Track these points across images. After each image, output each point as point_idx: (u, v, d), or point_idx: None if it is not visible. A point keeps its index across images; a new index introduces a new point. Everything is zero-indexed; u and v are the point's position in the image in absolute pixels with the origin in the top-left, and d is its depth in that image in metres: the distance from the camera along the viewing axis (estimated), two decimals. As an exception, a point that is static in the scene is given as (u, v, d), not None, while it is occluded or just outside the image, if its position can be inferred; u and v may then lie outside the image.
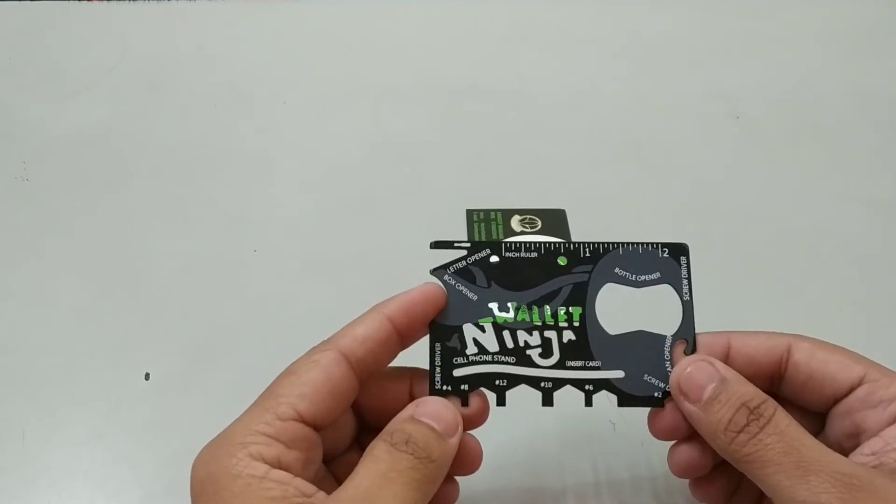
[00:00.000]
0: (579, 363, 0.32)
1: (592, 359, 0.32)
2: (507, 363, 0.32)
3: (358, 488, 0.27)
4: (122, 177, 0.51)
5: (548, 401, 0.32)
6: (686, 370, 0.31)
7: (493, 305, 0.32)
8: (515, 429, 0.39)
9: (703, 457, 0.32)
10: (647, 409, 0.33)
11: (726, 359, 0.32)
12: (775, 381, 0.33)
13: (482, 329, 0.32)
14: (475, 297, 0.32)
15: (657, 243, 0.33)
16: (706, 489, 0.34)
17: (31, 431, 0.41)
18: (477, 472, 0.32)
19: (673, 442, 0.33)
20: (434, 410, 0.30)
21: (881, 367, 0.31)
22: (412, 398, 0.32)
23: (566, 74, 0.57)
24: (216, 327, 0.44)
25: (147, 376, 0.42)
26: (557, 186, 0.51)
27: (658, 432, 0.33)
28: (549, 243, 0.33)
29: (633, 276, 0.33)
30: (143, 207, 0.50)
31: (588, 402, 0.32)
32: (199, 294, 0.46)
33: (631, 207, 0.50)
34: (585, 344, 0.32)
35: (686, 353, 0.32)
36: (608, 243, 0.33)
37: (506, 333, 0.32)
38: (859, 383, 0.31)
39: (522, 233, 0.36)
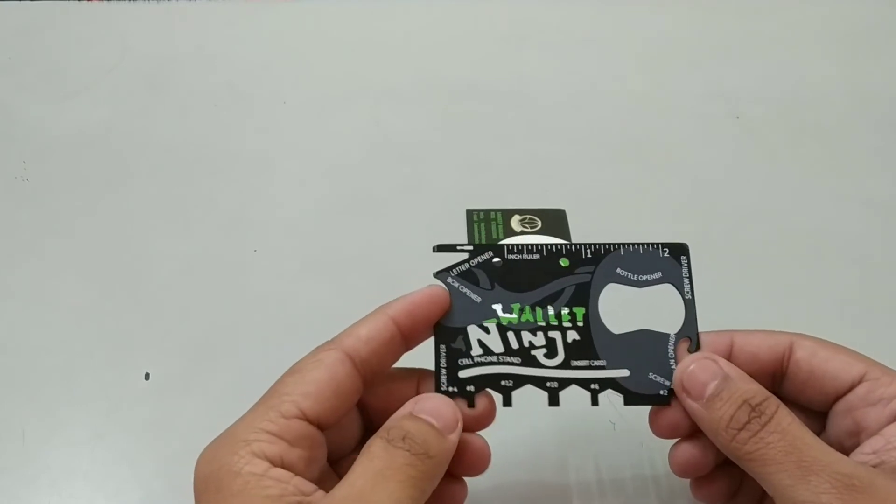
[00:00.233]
0: (584, 363, 0.32)
1: (597, 358, 0.32)
2: (513, 364, 0.32)
3: (353, 486, 0.27)
4: (122, 177, 0.51)
5: (554, 401, 0.32)
6: (689, 368, 0.31)
7: (497, 307, 0.33)
8: (516, 428, 0.39)
9: (704, 456, 0.32)
10: (647, 408, 0.33)
11: (729, 356, 0.32)
12: (777, 380, 0.33)
13: (486, 330, 0.32)
14: (479, 299, 0.33)
15: (658, 243, 0.34)
16: (707, 489, 0.34)
17: (31, 431, 0.41)
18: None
19: (673, 441, 0.33)
20: (433, 407, 0.30)
21: (882, 366, 0.31)
22: None
23: (566, 74, 0.57)
24: (216, 327, 0.44)
25: (147, 376, 0.42)
26: (557, 186, 0.51)
27: (659, 430, 0.33)
28: (551, 245, 0.34)
29: (635, 276, 0.33)
30: (143, 207, 0.50)
31: (594, 402, 0.32)
32: (199, 294, 0.46)
33: (631, 207, 0.50)
34: (590, 343, 0.32)
35: (690, 351, 0.32)
36: (609, 244, 0.34)
37: (510, 334, 0.32)
38: (860, 381, 0.31)
39: (522, 233, 0.36)
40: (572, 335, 0.32)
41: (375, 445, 0.28)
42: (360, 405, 0.33)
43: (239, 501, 0.27)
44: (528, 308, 0.33)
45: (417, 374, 0.33)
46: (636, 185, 0.51)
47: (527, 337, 0.32)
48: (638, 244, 0.34)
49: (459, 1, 0.61)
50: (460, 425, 0.30)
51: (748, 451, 0.29)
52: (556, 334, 0.32)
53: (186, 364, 0.43)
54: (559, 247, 0.33)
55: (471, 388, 0.32)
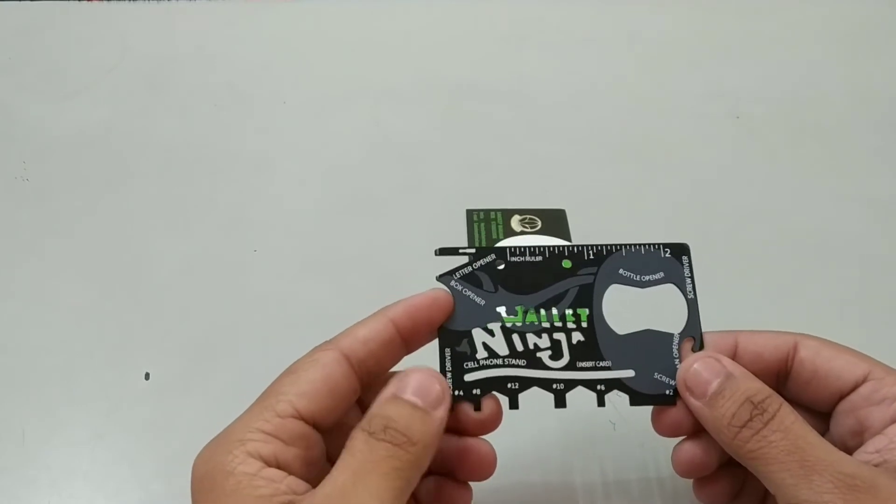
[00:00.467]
0: (590, 364, 0.32)
1: (603, 359, 0.32)
2: (518, 366, 0.32)
3: (335, 483, 0.27)
4: (122, 177, 0.51)
5: (560, 402, 0.32)
6: (692, 366, 0.31)
7: (501, 309, 0.33)
8: (515, 431, 0.39)
9: (706, 455, 0.32)
10: (647, 409, 0.33)
11: (733, 356, 0.32)
12: (781, 380, 0.33)
13: (491, 333, 0.32)
14: (483, 302, 0.33)
15: (659, 244, 0.34)
16: (710, 489, 0.34)
17: (31, 431, 0.41)
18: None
19: (676, 441, 0.33)
20: (417, 383, 0.29)
21: (885, 366, 0.31)
22: None
23: (566, 74, 0.57)
24: (216, 327, 0.44)
25: (147, 376, 0.42)
26: (557, 186, 0.51)
27: (661, 428, 0.33)
28: (554, 247, 0.34)
29: (638, 276, 0.33)
30: (143, 207, 0.50)
31: (600, 402, 0.32)
32: (199, 294, 0.46)
33: (631, 207, 0.50)
34: (595, 344, 0.32)
35: (694, 351, 0.33)
36: (611, 245, 0.34)
37: (515, 337, 0.32)
38: (864, 380, 0.31)
39: (522, 233, 0.36)
40: (577, 336, 0.32)
41: (356, 439, 0.28)
42: (363, 407, 0.32)
43: (231, 501, 0.27)
44: (532, 310, 0.33)
45: None
46: (636, 185, 0.51)
47: (532, 339, 0.32)
48: (639, 245, 0.34)
49: (459, 1, 0.61)
50: (447, 397, 0.30)
51: (750, 449, 0.29)
52: (560, 336, 0.32)
53: (186, 364, 0.43)
54: (561, 248, 0.34)
55: (477, 391, 0.32)
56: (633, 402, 0.32)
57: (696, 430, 0.32)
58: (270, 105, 0.55)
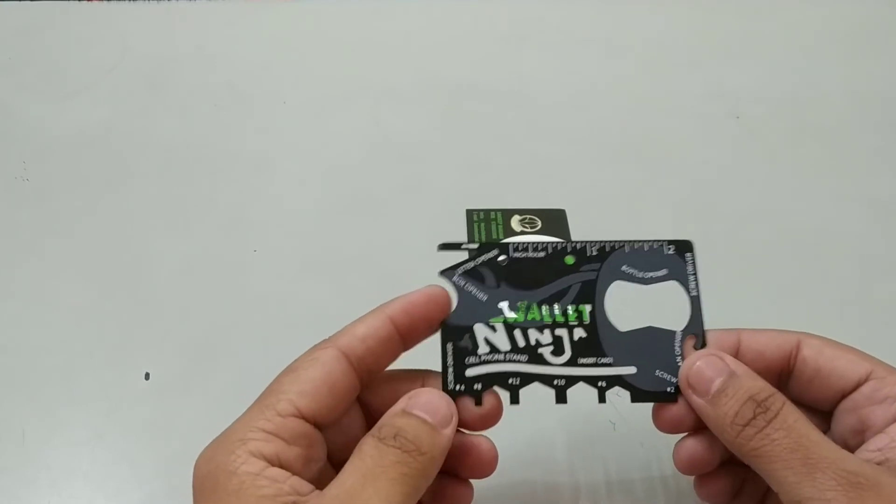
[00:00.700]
0: (591, 360, 0.32)
1: (604, 355, 0.32)
2: (520, 362, 0.32)
3: (343, 486, 0.27)
4: (122, 177, 0.51)
5: (561, 398, 0.32)
6: (695, 364, 0.31)
7: (503, 305, 0.33)
8: (516, 430, 0.39)
9: (708, 452, 0.32)
10: (647, 409, 0.33)
11: (736, 354, 0.32)
12: (783, 379, 0.33)
13: (493, 329, 0.32)
14: (485, 298, 0.33)
15: (662, 241, 0.34)
16: (711, 487, 0.34)
17: (31, 431, 0.41)
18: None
19: (676, 439, 0.33)
20: (427, 402, 0.30)
21: (888, 365, 0.32)
22: None
23: (566, 74, 0.57)
24: (216, 327, 0.44)
25: (147, 376, 0.42)
26: (557, 186, 0.51)
27: (662, 424, 0.33)
28: (557, 243, 0.34)
29: (641, 273, 0.33)
30: (143, 207, 0.50)
31: (601, 399, 0.32)
32: (199, 294, 0.46)
33: (631, 207, 0.50)
34: (596, 341, 0.32)
35: (696, 348, 0.33)
36: (614, 242, 0.34)
37: (517, 332, 0.32)
38: (866, 379, 0.31)
39: (522, 233, 0.36)
40: (579, 333, 0.32)
41: (367, 444, 0.28)
42: (364, 406, 0.33)
43: (234, 501, 0.27)
44: (534, 306, 0.33)
45: (422, 375, 0.33)
46: (636, 185, 0.51)
47: (534, 335, 0.32)
48: (642, 241, 0.34)
49: (459, 1, 0.61)
50: (455, 419, 0.30)
51: (753, 447, 0.29)
52: (562, 332, 0.32)
53: (186, 364, 0.43)
54: (564, 244, 0.34)
55: (478, 386, 0.32)
56: (635, 399, 0.32)
57: (698, 427, 0.32)
58: (270, 105, 0.55)
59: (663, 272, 0.33)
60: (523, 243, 0.33)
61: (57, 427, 0.41)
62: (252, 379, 0.31)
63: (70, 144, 0.53)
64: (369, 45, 0.59)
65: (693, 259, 0.34)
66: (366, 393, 0.32)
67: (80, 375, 0.42)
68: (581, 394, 0.32)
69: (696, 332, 0.33)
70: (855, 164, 0.52)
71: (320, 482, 0.29)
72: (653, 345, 0.33)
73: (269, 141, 0.53)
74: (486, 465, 0.32)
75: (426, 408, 0.30)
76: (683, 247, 0.34)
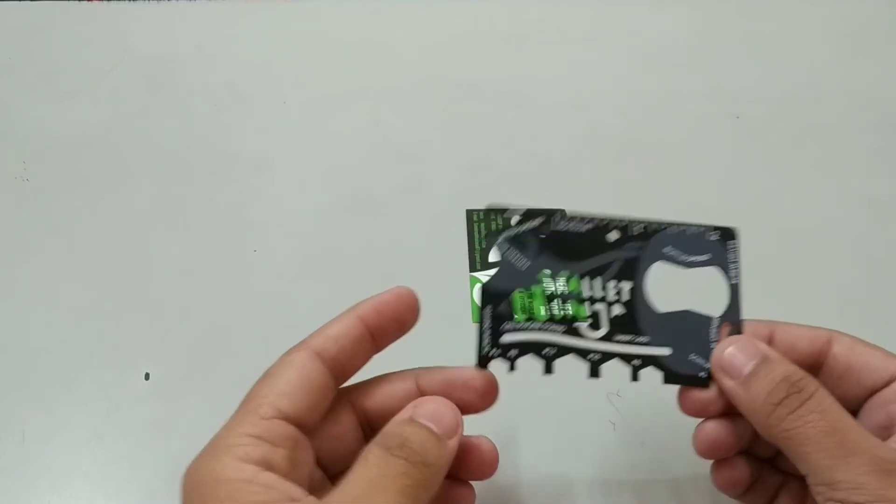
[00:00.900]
0: (627, 337, 0.32)
1: (641, 334, 0.32)
2: (556, 332, 0.32)
3: (347, 494, 0.27)
4: (122, 177, 0.51)
5: (594, 372, 0.32)
6: (728, 348, 0.32)
7: (544, 274, 0.32)
8: (516, 429, 0.39)
9: (730, 436, 0.32)
10: (647, 408, 0.33)
11: (769, 343, 0.32)
12: (813, 374, 0.33)
13: (531, 297, 0.32)
14: (526, 265, 0.33)
15: (707, 226, 0.34)
16: (727, 474, 0.34)
17: (31, 431, 0.41)
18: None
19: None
20: (433, 411, 0.30)
21: None
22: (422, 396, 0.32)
23: (566, 74, 0.57)
24: (216, 327, 0.44)
25: (147, 376, 0.42)
26: (557, 186, 0.51)
27: (688, 406, 0.33)
28: (602, 218, 0.33)
29: (683, 256, 0.33)
30: (143, 207, 0.50)
31: (634, 377, 0.32)
32: (199, 294, 0.46)
33: (631, 207, 0.49)
34: (634, 319, 0.32)
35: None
36: (659, 222, 0.34)
37: (555, 303, 0.32)
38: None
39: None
40: (617, 309, 0.32)
41: (372, 453, 0.28)
42: (360, 411, 0.33)
43: None
44: (575, 278, 0.33)
45: (413, 374, 0.33)
46: (636, 185, 0.51)
47: (572, 307, 0.32)
48: (687, 225, 0.34)
49: (459, 1, 0.61)
50: (461, 430, 0.30)
51: (785, 428, 0.29)
52: (601, 307, 0.32)
53: (186, 364, 0.43)
54: (609, 221, 0.33)
55: (513, 353, 0.32)
56: (667, 381, 0.32)
57: (722, 413, 0.32)
58: (270, 105, 0.55)
59: (706, 257, 0.33)
60: (570, 214, 0.33)
61: (57, 427, 0.41)
62: (252, 379, 0.31)
63: (70, 144, 0.53)
64: (369, 45, 0.59)
65: (736, 247, 0.34)
66: (359, 397, 0.32)
67: (80, 375, 0.42)
68: (583, 394, 0.32)
69: (732, 320, 0.33)
70: (855, 164, 0.52)
71: (312, 489, 0.28)
72: (689, 329, 0.33)
73: (269, 141, 0.53)
74: (488, 467, 0.32)
75: (433, 417, 0.30)
76: (727, 234, 0.34)
